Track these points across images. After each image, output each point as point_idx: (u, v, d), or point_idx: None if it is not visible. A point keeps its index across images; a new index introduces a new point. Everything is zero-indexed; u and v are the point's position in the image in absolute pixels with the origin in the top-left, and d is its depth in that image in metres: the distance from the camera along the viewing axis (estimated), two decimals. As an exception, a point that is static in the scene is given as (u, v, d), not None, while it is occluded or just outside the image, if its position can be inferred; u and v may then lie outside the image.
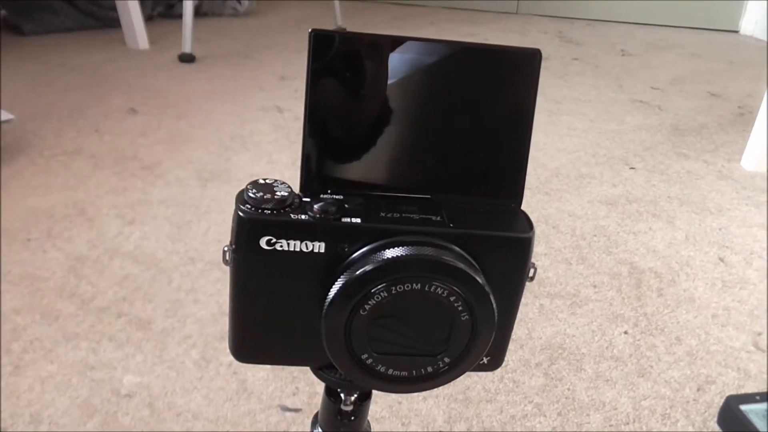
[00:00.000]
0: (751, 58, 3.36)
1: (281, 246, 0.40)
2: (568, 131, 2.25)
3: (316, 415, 0.58)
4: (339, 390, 0.52)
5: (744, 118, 2.44)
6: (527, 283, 0.46)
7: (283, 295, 0.43)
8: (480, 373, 1.23)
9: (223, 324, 1.28)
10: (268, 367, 0.48)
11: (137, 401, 1.12)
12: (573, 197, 1.84)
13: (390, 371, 0.42)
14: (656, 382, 1.24)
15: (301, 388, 1.15)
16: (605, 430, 1.14)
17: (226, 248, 0.42)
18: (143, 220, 1.60)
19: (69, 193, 1.69)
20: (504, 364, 1.26)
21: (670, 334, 1.36)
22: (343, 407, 0.52)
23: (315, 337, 0.42)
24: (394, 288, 0.39)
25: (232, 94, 2.37)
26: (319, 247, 0.40)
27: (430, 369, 0.43)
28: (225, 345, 1.24)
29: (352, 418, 0.53)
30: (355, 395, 0.52)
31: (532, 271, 0.45)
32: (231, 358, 1.15)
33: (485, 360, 0.48)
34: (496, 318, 0.42)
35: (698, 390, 1.23)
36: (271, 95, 2.38)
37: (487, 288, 0.41)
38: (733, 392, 1.21)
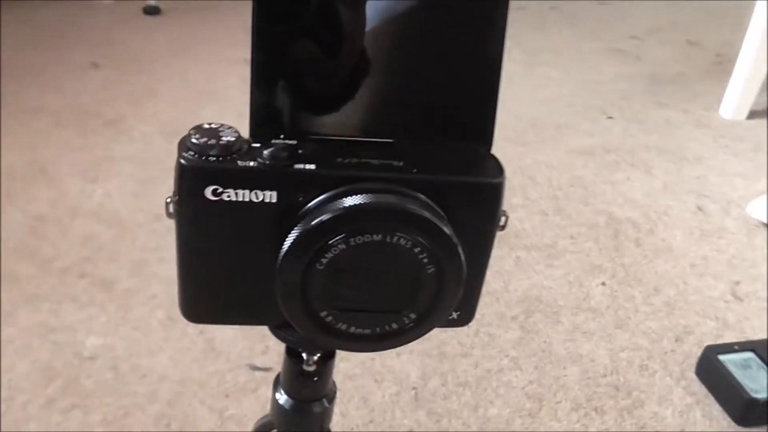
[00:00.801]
0: (729, 6, 3.31)
1: (228, 196, 0.36)
2: (544, 81, 2.21)
3: (277, 377, 0.54)
4: (300, 350, 0.48)
5: (722, 66, 2.40)
6: (499, 233, 0.42)
7: (233, 250, 0.39)
8: (452, 329, 1.19)
9: (191, 283, 1.24)
10: (233, 325, 0.44)
11: (101, 363, 1.08)
12: (549, 148, 1.80)
13: (351, 329, 0.38)
14: (634, 334, 1.22)
15: (271, 346, 1.11)
16: (583, 383, 1.12)
17: (168, 200, 0.38)
18: (106, 177, 1.54)
19: (29, 152, 1.62)
20: (477, 317, 1.22)
21: (648, 284, 1.34)
22: (305, 368, 0.48)
23: (270, 294, 0.38)
24: (353, 239, 0.35)
25: (198, 47, 2.30)
26: (271, 196, 0.37)
27: (394, 326, 0.39)
28: (192, 304, 1.20)
29: (315, 378, 0.49)
30: (318, 355, 0.48)
31: (503, 219, 0.40)
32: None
33: (454, 315, 0.43)
34: (464, 271, 0.37)
35: (676, 340, 1.22)
36: (240, 48, 2.30)
37: (454, 239, 0.37)
38: (712, 342, 1.19)
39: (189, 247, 0.40)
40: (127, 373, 1.06)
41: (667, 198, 1.62)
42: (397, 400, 1.05)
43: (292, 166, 0.37)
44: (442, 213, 0.37)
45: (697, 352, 1.17)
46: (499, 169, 0.40)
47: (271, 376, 1.07)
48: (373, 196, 0.36)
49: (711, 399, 1.10)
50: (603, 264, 1.38)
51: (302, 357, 0.48)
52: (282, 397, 0.52)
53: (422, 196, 0.37)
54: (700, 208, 1.59)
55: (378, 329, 0.39)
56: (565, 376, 1.13)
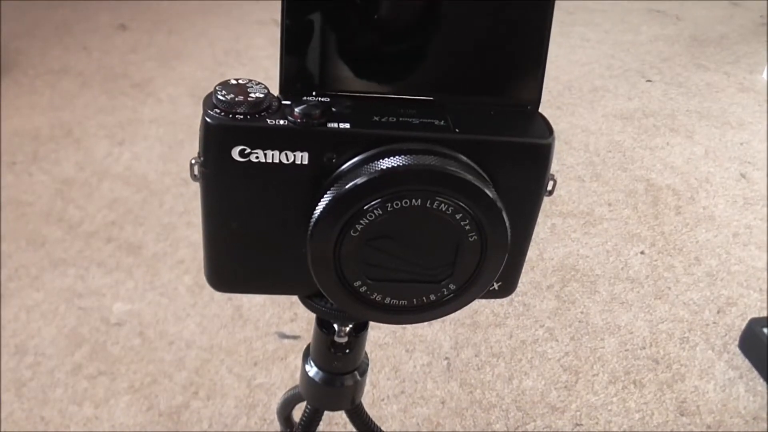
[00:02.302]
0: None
1: (257, 157, 0.34)
2: (581, 42, 2.14)
3: (307, 348, 0.51)
4: (331, 321, 0.46)
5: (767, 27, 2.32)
6: (545, 198, 0.38)
7: (262, 215, 0.36)
8: (483, 300, 1.16)
9: (218, 248, 1.22)
10: (261, 294, 0.41)
11: (127, 330, 1.06)
12: (586, 111, 1.75)
13: (387, 300, 0.36)
14: (674, 305, 1.18)
15: (300, 314, 1.09)
16: (620, 355, 1.08)
17: (193, 161, 0.35)
18: (133, 140, 1.52)
19: (55, 114, 1.60)
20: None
21: (688, 254, 1.29)
22: (336, 339, 0.46)
23: (301, 262, 0.35)
24: (390, 204, 0.33)
25: (226, 7, 2.25)
26: (302, 157, 0.34)
27: (432, 297, 0.36)
28: (219, 270, 1.18)
29: (347, 351, 0.47)
30: (350, 326, 0.46)
31: (551, 183, 0.37)
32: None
33: (496, 286, 0.40)
34: (509, 238, 0.35)
35: (718, 312, 1.17)
36: (268, 7, 2.26)
37: (498, 203, 0.34)
38: (756, 315, 1.14)
39: (215, 211, 0.37)
40: (154, 339, 1.05)
41: (709, 164, 1.56)
42: (429, 371, 1.03)
43: (326, 124, 0.34)
44: (486, 176, 0.35)
45: (741, 324, 1.12)
46: (548, 130, 0.37)
47: (300, 345, 1.05)
48: (412, 157, 0.33)
49: (755, 373, 1.06)
50: (642, 232, 1.34)
51: (334, 328, 0.46)
52: (312, 370, 0.50)
53: (464, 158, 0.34)
54: (743, 175, 1.53)
55: (415, 300, 0.36)
56: (602, 347, 1.09)
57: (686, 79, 1.95)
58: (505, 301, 1.16)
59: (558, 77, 1.90)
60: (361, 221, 0.33)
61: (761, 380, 1.05)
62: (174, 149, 1.48)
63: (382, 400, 0.98)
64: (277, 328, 1.08)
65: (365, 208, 0.33)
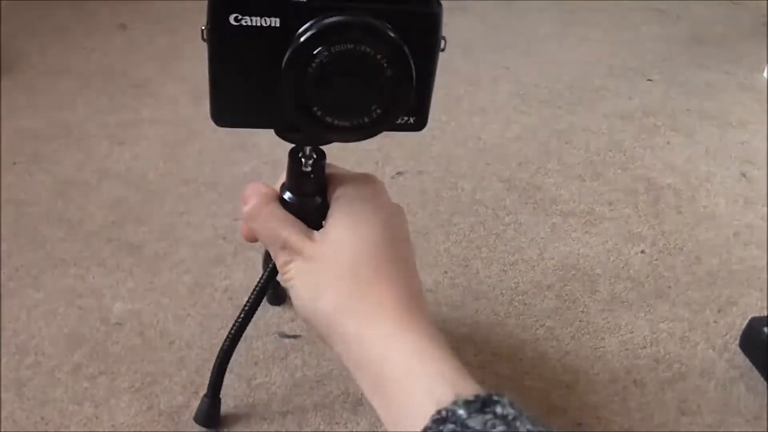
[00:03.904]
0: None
1: (246, 22, 0.50)
2: (581, 42, 2.14)
3: (283, 185, 0.65)
4: (300, 155, 0.61)
5: None
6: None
7: (251, 64, 0.52)
8: (483, 300, 1.16)
9: (219, 248, 1.22)
10: (251, 128, 0.58)
11: (128, 330, 1.06)
12: (587, 111, 1.75)
13: (336, 122, 0.51)
14: (675, 304, 1.18)
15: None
16: (621, 354, 1.08)
17: (203, 27, 0.52)
18: (134, 140, 1.52)
19: (55, 114, 1.60)
20: (512, 286, 1.20)
21: (689, 253, 1.29)
22: (303, 168, 0.61)
23: (279, 101, 0.51)
24: (333, 48, 0.48)
25: (227, 7, 2.25)
26: (275, 22, 0.49)
27: (366, 119, 0.51)
28: (220, 270, 1.18)
29: (312, 176, 0.62)
30: (313, 159, 0.61)
31: (443, 43, 0.54)
32: (226, 282, 1.08)
33: (411, 120, 0.56)
34: (413, 72, 0.50)
35: (719, 311, 1.17)
36: (269, 9, 2.26)
37: (404, 46, 0.49)
38: (756, 314, 1.14)
39: (218, 63, 0.53)
40: (154, 339, 1.05)
41: (710, 164, 1.56)
42: (430, 370, 1.03)
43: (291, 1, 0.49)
44: (394, 32, 0.49)
45: (741, 323, 1.12)
46: (437, 4, 0.52)
47: (300, 344, 1.05)
48: (346, 17, 0.48)
49: (755, 373, 1.06)
50: (642, 231, 1.34)
51: (301, 161, 0.61)
52: (287, 194, 0.63)
53: (379, 21, 0.49)
54: (744, 175, 1.53)
55: (354, 122, 0.51)
56: (602, 347, 1.09)
57: (687, 79, 1.95)
58: (505, 300, 1.16)
59: (558, 77, 1.90)
60: (314, 60, 0.48)
61: (762, 379, 1.05)
62: (174, 149, 1.48)
63: (383, 399, 0.97)
64: (277, 328, 1.08)
65: (316, 51, 0.48)
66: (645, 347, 1.10)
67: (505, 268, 1.23)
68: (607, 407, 1.00)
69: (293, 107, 0.50)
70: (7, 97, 1.65)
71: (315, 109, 0.50)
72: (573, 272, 1.23)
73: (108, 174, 1.41)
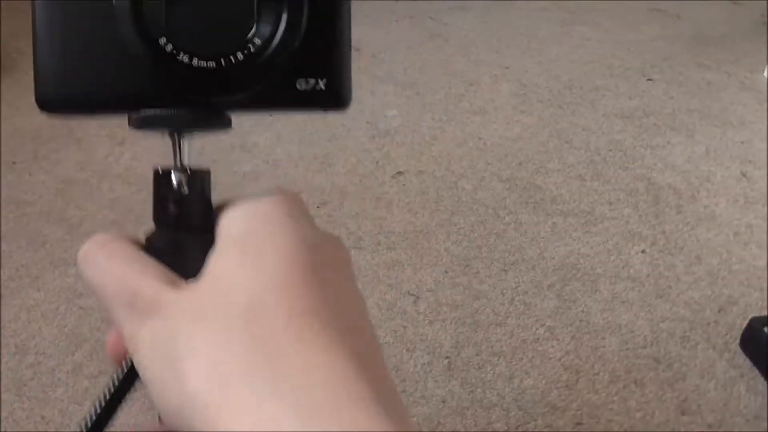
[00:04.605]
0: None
1: None
2: (581, 41, 2.14)
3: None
4: (165, 172, 0.39)
5: None
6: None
7: (84, 14, 0.35)
8: (484, 300, 1.16)
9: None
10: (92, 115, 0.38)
11: (128, 329, 1.06)
12: (587, 110, 1.75)
13: (194, 59, 0.34)
14: (675, 304, 1.18)
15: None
16: (622, 354, 1.08)
17: None
18: (134, 140, 1.52)
19: (56, 113, 1.60)
20: (512, 285, 1.19)
21: (689, 253, 1.29)
22: (172, 185, 0.38)
23: (126, 66, 0.35)
24: None
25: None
26: None
27: (239, 55, 0.34)
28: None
29: (186, 196, 0.38)
30: (185, 172, 0.39)
31: None
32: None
33: (320, 83, 0.37)
34: None
35: (719, 311, 1.17)
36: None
37: None
38: (757, 314, 1.14)
39: (44, 17, 0.36)
40: (154, 339, 1.05)
41: (710, 163, 1.56)
42: (430, 370, 1.03)
43: None
44: None
45: (742, 323, 1.12)
46: None
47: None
48: None
49: (756, 372, 1.06)
50: (643, 231, 1.34)
51: (169, 175, 0.39)
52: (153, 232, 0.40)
53: None
54: (744, 174, 1.53)
55: (224, 61, 0.34)
56: (603, 346, 1.09)
57: (687, 78, 1.94)
58: (505, 299, 1.16)
59: (559, 76, 1.90)
60: None
61: (762, 379, 1.05)
62: (174, 149, 1.48)
63: (383, 399, 0.97)
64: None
65: None
66: (645, 347, 1.10)
67: (506, 268, 1.23)
68: (607, 407, 1.00)
69: (131, 39, 0.34)
70: (7, 97, 1.65)
71: (163, 41, 0.34)
72: (573, 272, 1.23)
73: (108, 174, 1.41)
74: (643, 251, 1.29)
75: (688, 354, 1.09)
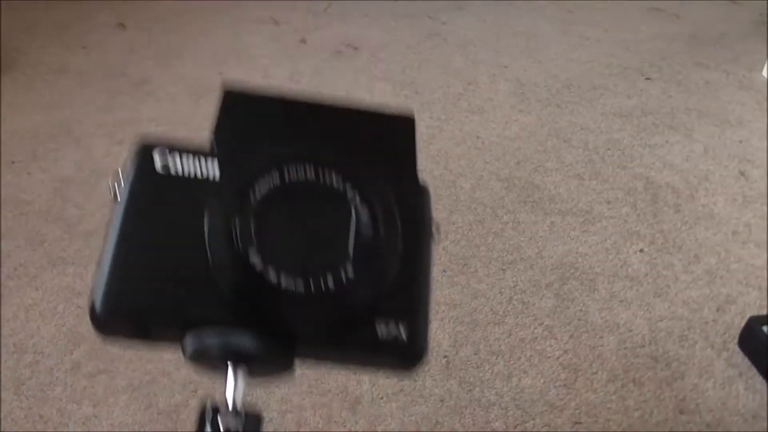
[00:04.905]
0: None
1: (177, 169, 0.35)
2: (580, 41, 2.14)
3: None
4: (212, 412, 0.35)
5: (766, 25, 2.32)
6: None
7: (172, 229, 0.35)
8: (482, 299, 1.17)
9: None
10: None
11: (126, 328, 1.06)
12: (585, 110, 1.75)
13: (282, 280, 0.32)
14: (673, 303, 1.18)
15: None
16: (620, 353, 1.08)
17: (114, 181, 0.35)
18: (132, 139, 1.52)
19: (54, 113, 1.60)
20: (511, 284, 1.19)
21: (688, 252, 1.29)
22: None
23: (207, 283, 0.33)
24: (287, 171, 0.34)
25: (226, 6, 2.25)
26: (213, 168, 0.35)
27: (331, 282, 0.33)
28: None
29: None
30: (238, 418, 0.35)
31: (436, 233, 0.37)
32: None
33: (401, 330, 0.34)
34: (398, 223, 0.35)
35: (718, 310, 1.17)
36: (268, 7, 2.26)
37: (388, 187, 0.36)
38: (755, 313, 1.14)
39: (128, 228, 0.35)
40: (153, 338, 1.05)
41: (708, 162, 1.56)
42: (428, 369, 1.03)
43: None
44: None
45: (740, 322, 1.12)
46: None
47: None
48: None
49: (754, 371, 1.06)
50: (641, 230, 1.34)
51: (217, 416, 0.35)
52: None
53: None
54: (742, 173, 1.53)
55: (312, 283, 0.32)
56: (601, 345, 1.09)
57: (685, 77, 1.95)
58: (504, 298, 1.16)
59: (557, 75, 1.90)
60: (258, 189, 0.33)
61: (761, 378, 1.05)
62: (173, 148, 1.48)
63: (381, 398, 0.98)
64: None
65: (262, 177, 0.33)
66: (644, 346, 1.10)
67: (504, 267, 1.23)
68: (605, 405, 1.00)
69: (222, 253, 0.32)
70: (6, 96, 1.65)
71: (253, 257, 0.32)
72: (571, 271, 1.23)
73: (107, 173, 1.41)
74: (641, 250, 1.29)
75: (686, 353, 1.09)
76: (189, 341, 0.33)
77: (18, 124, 1.54)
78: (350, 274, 0.33)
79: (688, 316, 1.15)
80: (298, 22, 2.10)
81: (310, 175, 0.34)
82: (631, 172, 1.51)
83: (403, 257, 0.35)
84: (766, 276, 1.24)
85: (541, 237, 1.30)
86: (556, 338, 1.10)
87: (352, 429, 0.94)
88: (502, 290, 1.18)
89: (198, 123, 1.55)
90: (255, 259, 0.32)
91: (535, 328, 1.11)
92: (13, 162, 1.42)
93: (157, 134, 0.35)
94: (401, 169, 0.42)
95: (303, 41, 2.00)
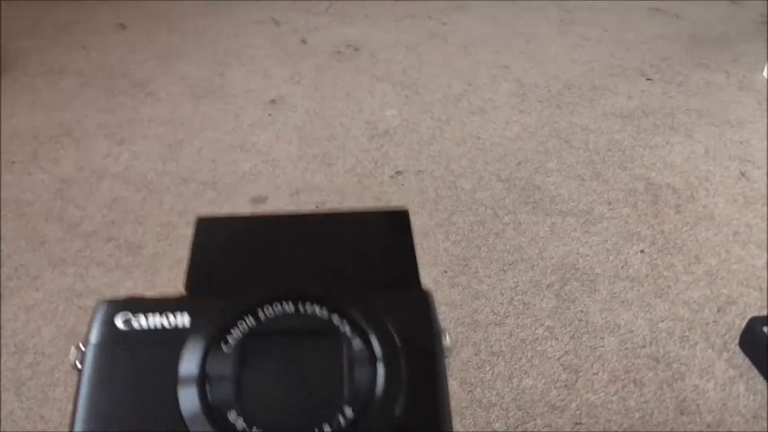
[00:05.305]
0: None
1: (140, 323, 0.32)
2: (580, 41, 2.14)
3: None
4: None
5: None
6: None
7: (140, 385, 0.31)
8: (483, 300, 1.16)
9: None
10: None
11: (127, 329, 1.06)
12: (586, 110, 1.75)
13: None
14: (674, 303, 1.18)
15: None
16: (621, 354, 1.08)
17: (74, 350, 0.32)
18: (133, 139, 1.52)
19: (55, 113, 1.60)
20: (511, 285, 1.19)
21: (688, 252, 1.29)
22: None
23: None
24: (266, 311, 0.31)
25: (226, 6, 2.25)
26: (184, 320, 0.31)
27: (327, 429, 0.29)
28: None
29: None
30: None
31: (447, 338, 0.33)
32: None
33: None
34: (399, 353, 0.31)
35: (718, 311, 1.17)
36: (268, 7, 2.26)
37: (384, 320, 0.31)
38: (756, 313, 1.14)
39: (95, 390, 0.32)
40: (153, 338, 1.05)
41: (709, 163, 1.56)
42: (429, 370, 1.03)
43: None
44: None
45: (741, 323, 1.12)
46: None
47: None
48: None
49: (755, 372, 1.06)
50: (642, 231, 1.33)
51: None
52: None
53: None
54: (743, 174, 1.53)
55: None
56: (602, 346, 1.09)
57: (686, 78, 1.94)
58: (504, 299, 1.16)
59: (558, 76, 1.89)
60: (234, 331, 0.30)
61: (761, 379, 1.05)
62: (173, 148, 1.48)
63: (382, 399, 0.97)
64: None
65: (240, 318, 0.30)
66: (644, 347, 1.10)
67: (505, 268, 1.23)
68: (606, 406, 1.00)
69: (199, 421, 0.29)
70: (6, 97, 1.65)
71: (232, 415, 0.29)
72: (572, 272, 1.23)
73: (107, 173, 1.41)
74: (642, 251, 1.29)
75: (687, 354, 1.09)
76: None
77: (18, 125, 1.54)
78: (349, 415, 0.29)
79: (689, 317, 1.15)
80: (298, 22, 2.10)
81: (289, 310, 0.31)
82: (632, 172, 1.51)
83: (409, 381, 0.30)
84: (766, 276, 1.24)
85: (541, 238, 1.30)
86: (556, 339, 1.10)
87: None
88: (503, 291, 1.18)
89: (199, 123, 1.55)
90: (237, 423, 0.29)
91: (536, 328, 1.11)
92: (13, 162, 1.42)
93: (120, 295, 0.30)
94: (397, 277, 0.37)
95: (303, 41, 2.00)
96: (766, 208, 1.42)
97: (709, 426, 0.98)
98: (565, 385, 1.02)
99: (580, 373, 1.04)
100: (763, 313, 1.15)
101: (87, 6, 2.17)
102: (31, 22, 2.05)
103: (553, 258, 1.26)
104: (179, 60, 1.87)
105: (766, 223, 1.37)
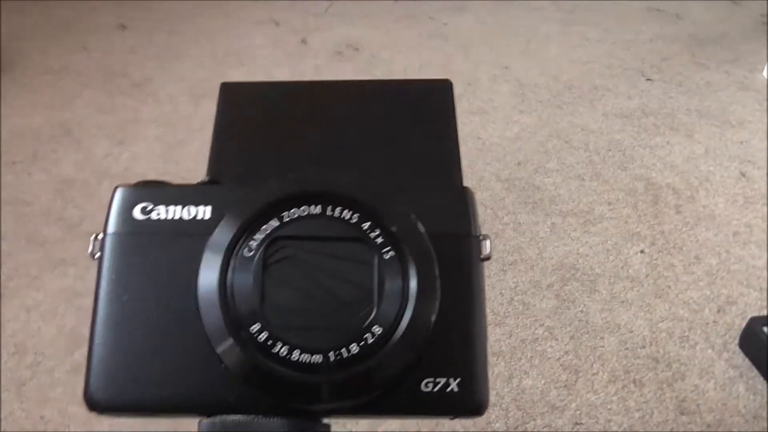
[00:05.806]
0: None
1: (158, 214, 0.31)
2: (580, 41, 2.14)
3: None
4: None
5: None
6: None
7: (160, 288, 0.31)
8: (487, 296, 1.16)
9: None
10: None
11: (127, 329, 1.06)
12: (586, 110, 1.75)
13: (296, 354, 0.27)
14: (674, 304, 1.18)
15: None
16: (621, 354, 1.08)
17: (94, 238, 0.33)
18: (133, 140, 1.52)
19: (55, 113, 1.60)
20: (511, 285, 1.19)
21: (688, 252, 1.29)
22: None
23: (208, 363, 0.28)
24: (289, 216, 0.29)
25: (226, 7, 2.25)
26: (204, 211, 0.31)
27: (355, 348, 0.27)
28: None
29: None
30: None
31: (486, 246, 0.31)
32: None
33: (454, 384, 0.29)
34: (435, 267, 0.28)
35: (718, 311, 1.17)
36: (268, 7, 2.26)
37: (419, 226, 0.29)
38: (756, 313, 1.14)
39: (113, 289, 0.32)
40: (153, 339, 1.05)
41: (709, 163, 1.56)
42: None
43: None
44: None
45: (741, 323, 1.12)
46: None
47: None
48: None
49: (755, 372, 1.06)
50: (642, 231, 1.33)
51: None
52: None
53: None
54: (743, 174, 1.53)
55: (333, 354, 0.27)
56: (602, 346, 1.09)
57: (686, 78, 1.94)
58: (504, 299, 1.16)
59: (558, 76, 1.89)
60: (253, 243, 0.28)
61: (761, 379, 1.05)
62: (173, 149, 1.48)
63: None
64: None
65: (260, 229, 0.28)
66: (644, 347, 1.10)
67: (505, 268, 1.23)
68: (606, 406, 1.00)
69: (218, 322, 0.28)
70: (7, 97, 1.65)
71: (256, 327, 0.27)
72: (572, 272, 1.23)
73: (107, 173, 1.41)
74: (642, 251, 1.29)
75: (687, 354, 1.09)
76: (205, 427, 0.29)
77: (18, 125, 1.54)
78: (377, 332, 0.27)
79: (689, 317, 1.15)
80: (298, 22, 2.10)
81: (316, 212, 0.29)
82: (632, 173, 1.51)
83: (444, 295, 0.29)
84: (766, 276, 1.24)
85: (541, 238, 1.30)
86: (556, 339, 1.10)
87: (353, 429, 0.94)
88: (503, 291, 1.18)
89: (199, 123, 1.55)
90: (260, 337, 0.27)
91: (536, 329, 1.11)
92: (13, 162, 1.42)
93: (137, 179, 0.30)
94: (435, 162, 0.35)
95: (303, 42, 2.00)
96: (766, 208, 1.42)
97: (709, 426, 0.98)
98: (565, 385, 1.02)
99: (580, 374, 1.04)
100: (763, 313, 1.15)
101: (87, 6, 2.17)
102: (31, 22, 2.05)
103: (552, 258, 1.26)
104: (179, 60, 1.87)
105: (766, 223, 1.37)
